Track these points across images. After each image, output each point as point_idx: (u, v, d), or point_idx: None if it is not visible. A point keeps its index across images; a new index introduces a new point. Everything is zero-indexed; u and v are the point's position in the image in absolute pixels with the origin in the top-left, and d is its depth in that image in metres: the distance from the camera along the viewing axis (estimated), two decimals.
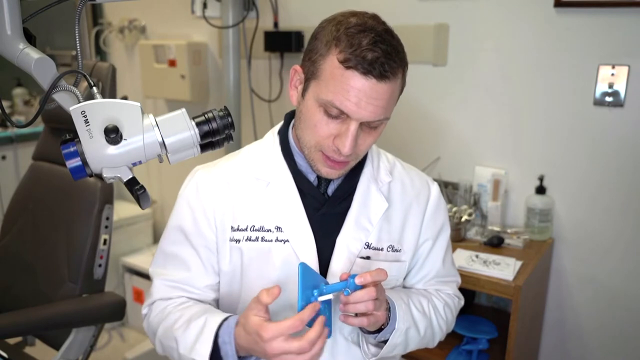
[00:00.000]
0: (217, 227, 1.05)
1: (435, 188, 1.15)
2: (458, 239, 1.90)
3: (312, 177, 1.05)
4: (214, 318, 0.96)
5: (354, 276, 0.90)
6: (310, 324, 0.86)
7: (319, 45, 0.93)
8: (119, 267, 2.87)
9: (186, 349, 0.96)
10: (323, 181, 1.06)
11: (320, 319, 0.87)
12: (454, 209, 1.93)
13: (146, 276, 2.75)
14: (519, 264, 1.71)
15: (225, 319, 0.95)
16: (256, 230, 1.03)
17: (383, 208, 1.07)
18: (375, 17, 0.94)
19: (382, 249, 1.07)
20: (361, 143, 0.96)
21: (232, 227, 1.04)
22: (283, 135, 1.08)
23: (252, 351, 0.90)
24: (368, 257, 1.06)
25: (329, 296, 0.91)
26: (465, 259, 1.75)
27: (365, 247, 1.06)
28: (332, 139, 0.94)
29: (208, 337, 0.93)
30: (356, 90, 0.89)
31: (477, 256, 1.77)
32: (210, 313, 0.99)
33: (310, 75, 0.95)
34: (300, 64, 0.99)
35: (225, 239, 1.05)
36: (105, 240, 1.67)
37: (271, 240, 1.03)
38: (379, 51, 0.88)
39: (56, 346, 1.65)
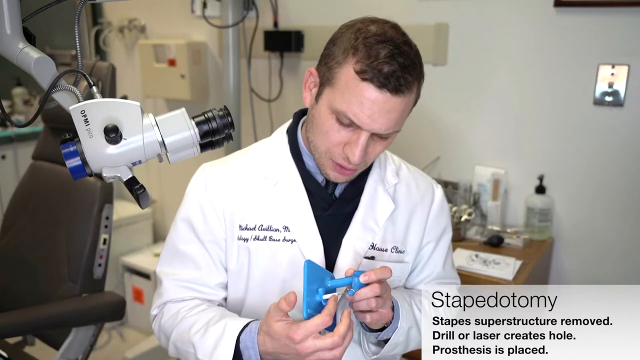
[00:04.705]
0: (227, 224, 1.05)
1: (439, 191, 1.16)
2: (458, 238, 1.90)
3: (320, 178, 1.05)
4: (234, 323, 0.96)
5: (358, 274, 0.91)
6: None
7: (337, 51, 0.92)
8: (119, 267, 2.86)
9: (205, 354, 0.95)
10: (331, 182, 1.06)
11: (347, 312, 0.88)
12: (454, 208, 1.93)
13: (146, 275, 2.74)
14: (518, 263, 1.71)
15: (247, 324, 0.95)
16: (264, 229, 1.04)
17: (390, 209, 1.08)
18: (395, 27, 0.92)
19: (386, 250, 1.08)
20: (370, 152, 0.96)
21: (240, 226, 1.04)
22: (292, 134, 1.08)
23: (281, 355, 0.89)
24: (373, 258, 1.06)
25: (334, 295, 0.91)
26: (465, 258, 1.75)
27: (371, 247, 1.06)
28: (342, 147, 0.95)
29: (229, 343, 0.93)
30: (370, 103, 0.89)
31: (476, 256, 1.77)
32: (229, 318, 0.98)
33: (325, 80, 0.94)
34: (316, 67, 0.98)
35: (233, 237, 1.05)
36: (105, 240, 1.67)
37: (279, 240, 1.03)
38: (396, 65, 0.87)
39: (56, 346, 1.65)
